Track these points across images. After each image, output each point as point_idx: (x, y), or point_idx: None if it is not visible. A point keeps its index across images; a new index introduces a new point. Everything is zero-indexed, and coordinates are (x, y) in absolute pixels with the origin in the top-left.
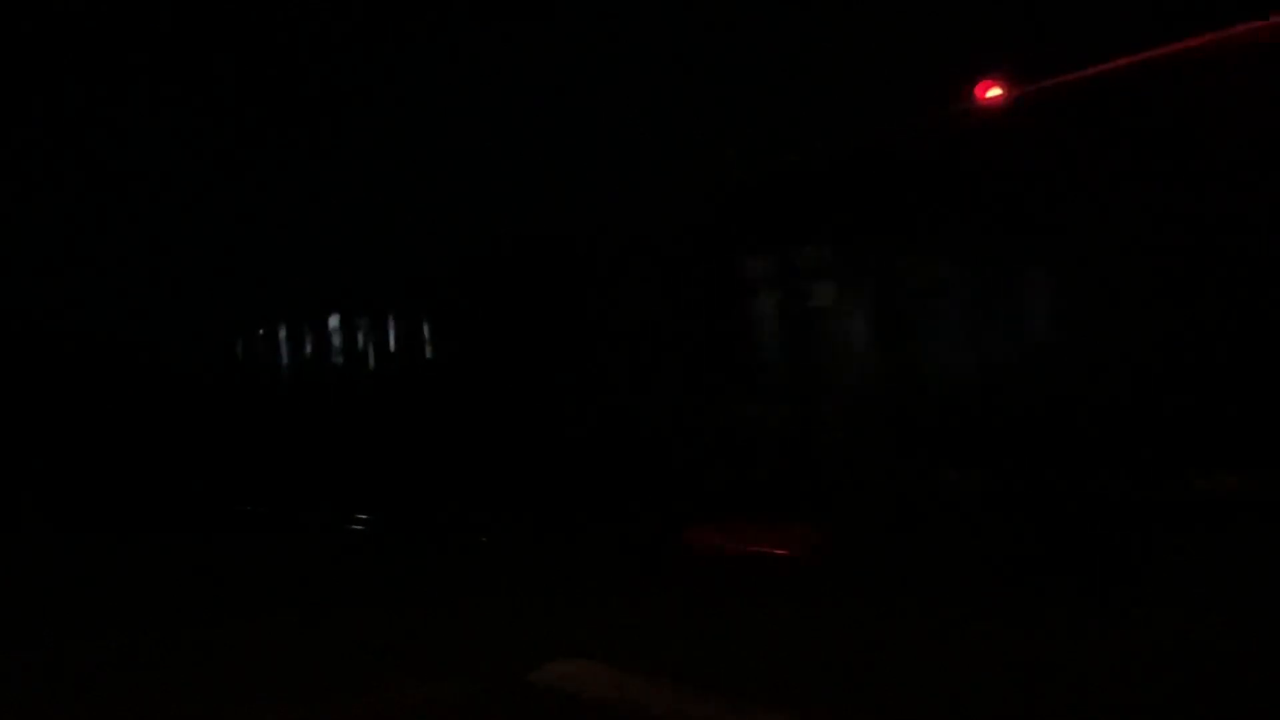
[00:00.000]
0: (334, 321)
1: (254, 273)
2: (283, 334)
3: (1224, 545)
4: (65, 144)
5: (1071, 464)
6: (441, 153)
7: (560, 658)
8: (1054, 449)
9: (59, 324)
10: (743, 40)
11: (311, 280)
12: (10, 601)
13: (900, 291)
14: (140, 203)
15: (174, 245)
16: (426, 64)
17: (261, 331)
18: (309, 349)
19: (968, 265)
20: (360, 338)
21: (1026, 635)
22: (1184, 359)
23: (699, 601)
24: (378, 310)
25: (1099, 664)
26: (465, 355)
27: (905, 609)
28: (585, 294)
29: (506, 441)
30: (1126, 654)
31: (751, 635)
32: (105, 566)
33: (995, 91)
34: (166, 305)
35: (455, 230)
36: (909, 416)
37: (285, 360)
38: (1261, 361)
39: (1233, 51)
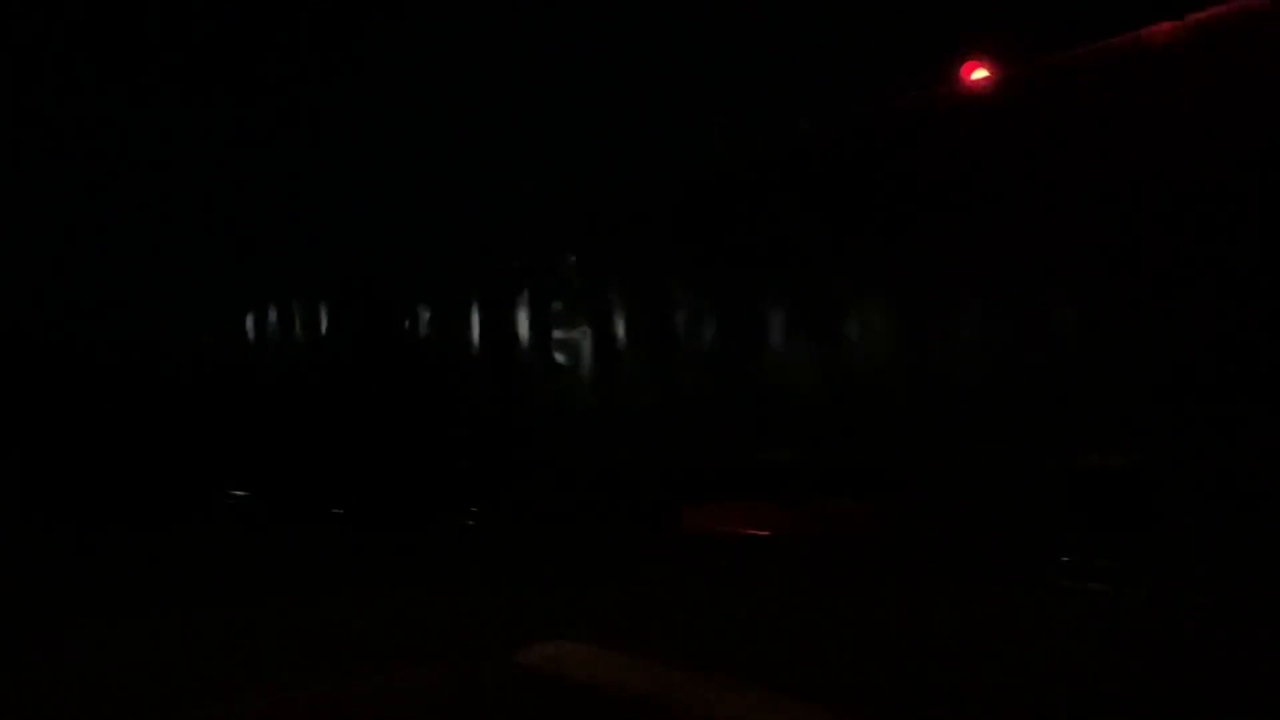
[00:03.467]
0: (298, 309)
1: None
2: (252, 322)
3: None
4: (64, 142)
5: None
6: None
7: (545, 639)
8: None
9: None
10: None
11: (276, 271)
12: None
13: None
14: (116, 196)
15: (156, 236)
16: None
17: (230, 322)
18: (283, 335)
19: None
20: (330, 325)
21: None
22: None
23: (683, 583)
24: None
25: None
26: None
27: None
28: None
29: (490, 426)
30: None
31: (734, 615)
32: (97, 557)
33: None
34: (141, 298)
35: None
36: None
37: (261, 348)
38: None
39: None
